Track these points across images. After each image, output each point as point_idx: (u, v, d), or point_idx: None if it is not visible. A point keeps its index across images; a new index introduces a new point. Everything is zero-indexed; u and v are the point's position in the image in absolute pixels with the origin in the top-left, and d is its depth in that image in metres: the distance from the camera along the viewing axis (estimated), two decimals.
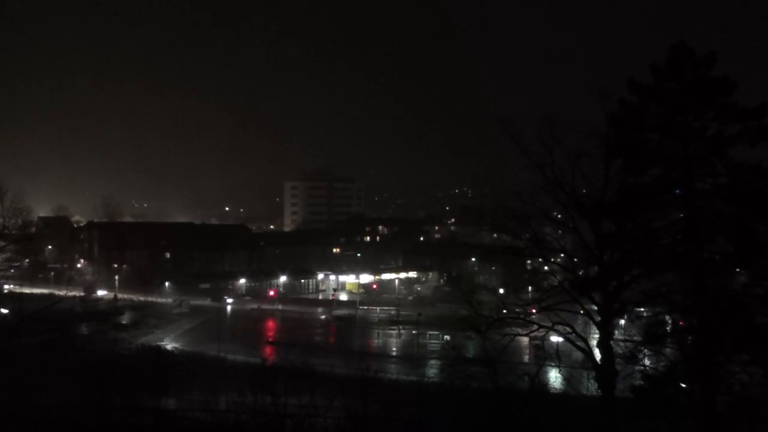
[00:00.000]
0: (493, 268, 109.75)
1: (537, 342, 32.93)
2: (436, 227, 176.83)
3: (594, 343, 29.61)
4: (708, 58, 24.48)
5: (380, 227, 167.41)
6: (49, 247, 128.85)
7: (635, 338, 27.50)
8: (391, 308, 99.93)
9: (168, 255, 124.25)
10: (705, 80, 24.31)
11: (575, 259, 32.60)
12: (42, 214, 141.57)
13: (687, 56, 24.50)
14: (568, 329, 29.95)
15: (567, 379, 34.53)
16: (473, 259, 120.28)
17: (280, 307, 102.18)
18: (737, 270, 25.58)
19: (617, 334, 29.27)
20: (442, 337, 73.35)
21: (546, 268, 36.96)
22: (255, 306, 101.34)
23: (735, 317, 23.45)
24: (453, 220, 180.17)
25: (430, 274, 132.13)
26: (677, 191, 25.12)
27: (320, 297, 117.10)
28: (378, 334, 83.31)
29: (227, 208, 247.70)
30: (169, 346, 63.77)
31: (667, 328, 26.05)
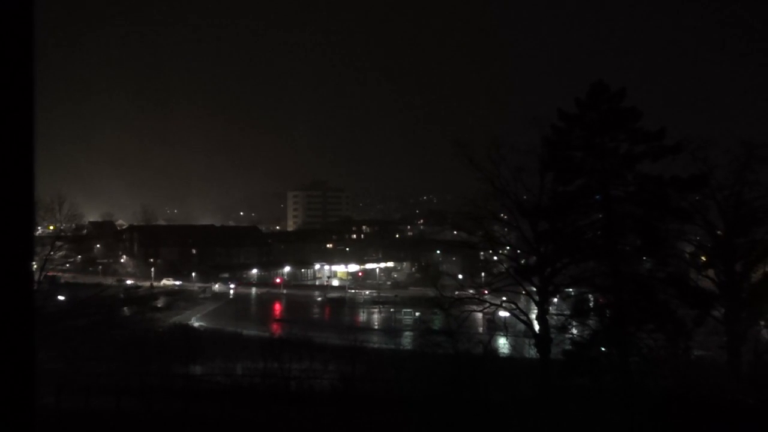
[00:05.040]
0: (454, 258, 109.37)
1: (489, 316, 33.04)
2: (409, 227, 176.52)
3: (533, 316, 29.78)
4: (620, 93, 24.80)
5: (364, 227, 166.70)
6: (98, 245, 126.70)
7: (565, 312, 27.71)
8: (374, 291, 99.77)
9: (194, 251, 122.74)
10: (618, 110, 24.62)
11: (518, 251, 32.76)
12: (92, 219, 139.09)
13: (603, 91, 24.81)
14: (513, 306, 30.09)
15: (512, 346, 34.66)
16: (438, 252, 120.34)
17: (285, 291, 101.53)
18: (644, 258, 25.92)
19: (551, 309, 29.46)
20: (414, 314, 73.33)
21: (495, 258, 37.12)
22: (265, 291, 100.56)
23: (642, 295, 23.75)
24: (422, 221, 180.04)
25: (404, 263, 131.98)
26: (597, 197, 25.40)
27: (317, 283, 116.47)
28: (363, 312, 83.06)
29: (242, 213, 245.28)
30: (195, 325, 62.95)
31: (590, 305, 26.31)
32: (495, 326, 31.77)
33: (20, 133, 1.77)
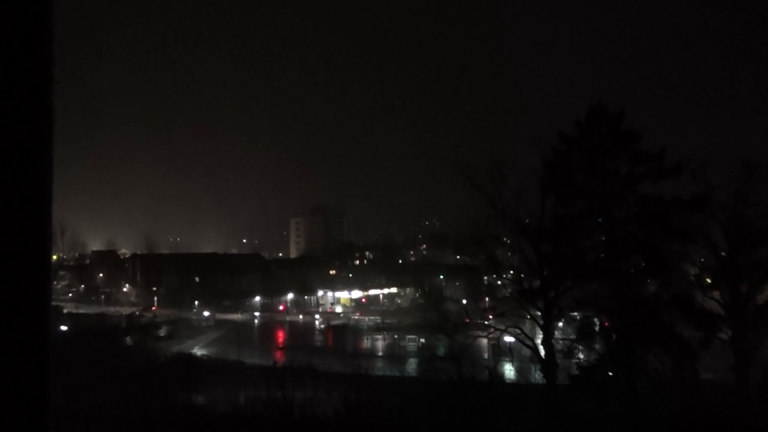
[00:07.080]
0: (457, 283, 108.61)
1: (493, 342, 32.81)
2: (411, 251, 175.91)
3: (539, 341, 29.55)
4: (618, 115, 25.03)
5: (366, 252, 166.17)
6: (100, 274, 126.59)
7: (571, 337, 27.49)
8: (377, 317, 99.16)
9: (197, 279, 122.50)
10: (617, 132, 24.81)
11: (522, 274, 32.63)
12: (94, 248, 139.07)
13: (602, 114, 25.03)
14: (518, 331, 29.89)
15: (518, 371, 34.34)
16: (441, 277, 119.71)
17: (288, 318, 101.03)
18: (648, 280, 25.82)
19: (557, 333, 29.25)
20: (418, 340, 72.59)
21: (499, 282, 36.97)
22: (268, 318, 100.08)
23: (648, 317, 23.60)
24: (424, 245, 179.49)
25: (408, 289, 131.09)
26: (599, 219, 25.43)
27: (320, 310, 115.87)
28: (367, 338, 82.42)
29: (244, 240, 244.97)
30: (198, 354, 62.48)
31: (596, 328, 26.13)
32: (500, 351, 31.53)
33: (39, 155, 1.80)
